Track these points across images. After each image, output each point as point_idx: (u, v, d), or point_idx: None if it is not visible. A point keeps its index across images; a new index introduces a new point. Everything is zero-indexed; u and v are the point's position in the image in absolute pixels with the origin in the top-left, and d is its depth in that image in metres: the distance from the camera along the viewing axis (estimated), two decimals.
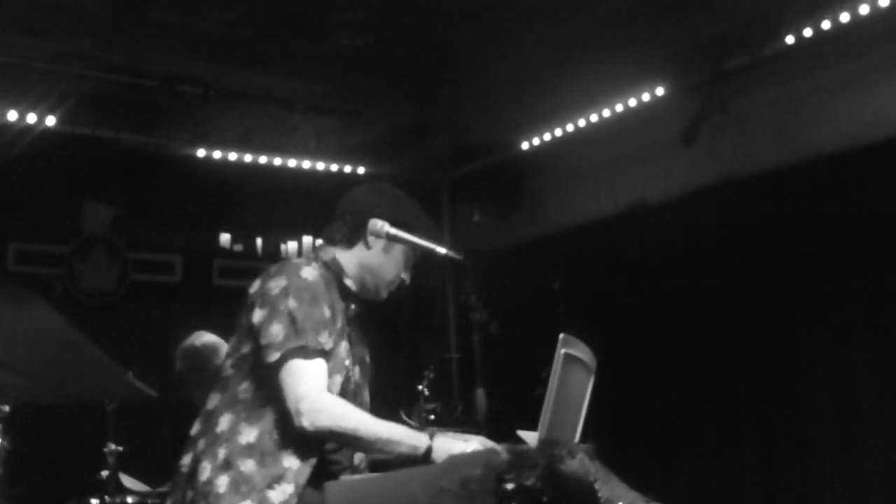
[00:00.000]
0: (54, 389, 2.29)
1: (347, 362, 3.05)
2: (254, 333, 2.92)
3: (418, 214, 3.22)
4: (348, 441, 2.89)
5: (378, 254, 3.15)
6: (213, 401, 3.00)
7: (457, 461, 2.37)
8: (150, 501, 5.23)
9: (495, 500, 2.24)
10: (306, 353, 2.85)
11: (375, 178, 6.97)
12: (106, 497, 5.05)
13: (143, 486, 5.40)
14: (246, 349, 2.97)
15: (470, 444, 2.76)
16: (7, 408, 4.96)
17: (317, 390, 2.83)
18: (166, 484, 5.30)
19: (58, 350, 1.84)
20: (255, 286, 3.02)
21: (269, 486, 2.80)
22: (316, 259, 3.13)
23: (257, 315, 2.92)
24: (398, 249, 3.16)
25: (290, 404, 2.80)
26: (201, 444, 2.93)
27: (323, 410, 2.80)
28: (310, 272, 3.00)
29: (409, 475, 2.43)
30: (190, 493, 2.88)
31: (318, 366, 2.88)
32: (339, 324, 3.03)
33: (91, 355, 1.91)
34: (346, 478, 2.86)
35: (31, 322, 1.68)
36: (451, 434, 2.94)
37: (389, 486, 2.46)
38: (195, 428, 3.01)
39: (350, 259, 3.15)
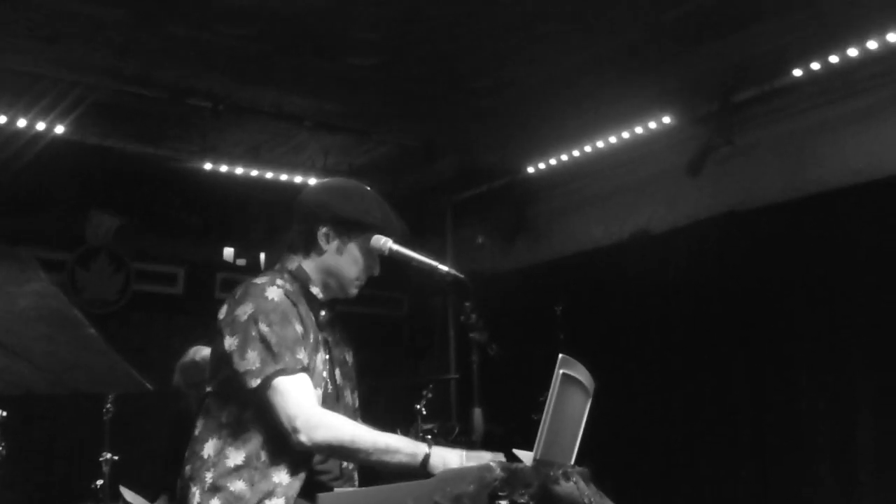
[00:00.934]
0: (51, 376, 2.28)
1: (325, 373, 3.05)
2: (228, 361, 2.91)
3: (367, 208, 3.16)
4: (347, 453, 2.88)
5: (333, 255, 3.12)
6: (198, 427, 3.01)
7: (450, 476, 2.36)
8: None
9: None
10: (287, 373, 2.85)
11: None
12: None
13: (143, 500, 5.39)
14: (221, 376, 2.97)
15: (467, 456, 2.76)
16: (4, 413, 4.98)
17: (308, 406, 2.83)
18: (161, 497, 5.30)
19: (56, 330, 1.83)
20: (222, 312, 3.01)
21: (260, 503, 2.80)
22: (282, 271, 3.12)
23: (228, 343, 2.91)
24: (353, 246, 3.12)
25: (285, 423, 2.80)
26: (188, 469, 2.95)
27: (318, 426, 2.80)
28: (274, 292, 2.97)
29: (403, 489, 2.43)
30: None
31: (303, 381, 2.87)
32: (312, 337, 3.02)
33: (90, 339, 1.91)
34: (339, 490, 2.85)
35: (32, 296, 1.68)
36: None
37: (382, 499, 2.46)
38: (186, 452, 3.01)
39: (311, 266, 3.14)
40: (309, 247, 3.14)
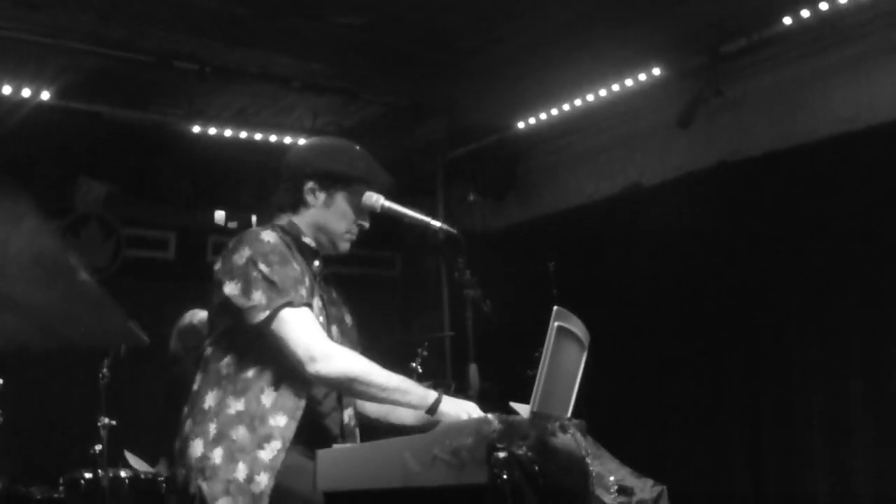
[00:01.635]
0: (45, 328, 2.27)
1: (322, 319, 3.06)
2: (230, 307, 2.91)
3: (351, 161, 3.19)
4: (360, 385, 2.88)
5: (321, 210, 3.14)
6: (197, 381, 3.02)
7: (448, 429, 2.38)
8: (143, 476, 5.25)
9: (487, 468, 2.25)
10: (294, 305, 2.86)
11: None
12: (99, 471, 5.06)
13: (146, 465, 5.42)
14: (222, 326, 2.98)
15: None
16: (0, 380, 4.99)
17: (322, 337, 2.86)
18: (161, 461, 5.33)
19: (52, 276, 1.82)
20: (217, 264, 3.02)
21: (259, 447, 2.82)
22: (273, 227, 3.13)
23: (229, 288, 2.91)
24: (340, 199, 3.14)
25: (300, 352, 2.81)
26: (189, 423, 2.95)
27: (334, 356, 2.83)
28: (269, 235, 3.00)
29: (401, 443, 2.44)
30: (182, 472, 2.90)
31: (310, 315, 2.90)
32: (308, 282, 3.03)
33: (85, 285, 1.90)
34: (338, 446, 2.87)
35: (27, 235, 1.66)
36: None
37: (381, 453, 2.47)
38: (184, 411, 3.02)
39: (300, 221, 3.16)
40: (297, 203, 3.16)
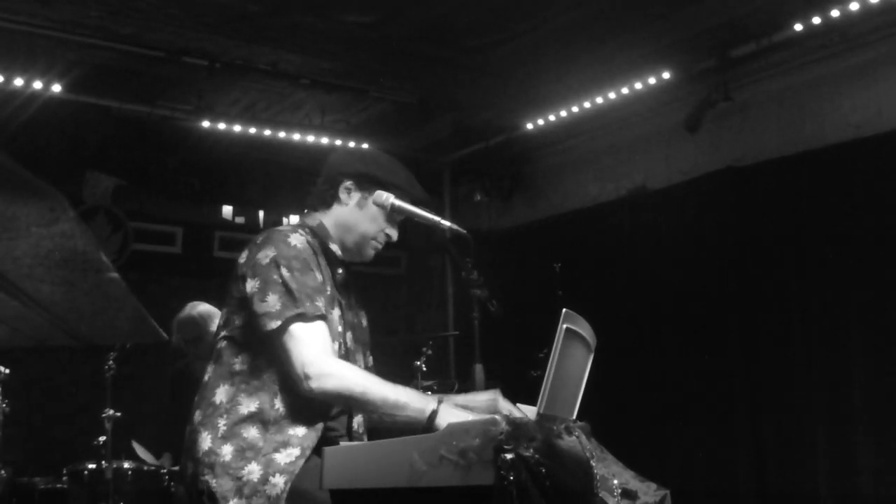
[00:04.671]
0: (67, 326, 2.28)
1: (340, 328, 3.06)
2: (247, 304, 2.92)
3: (392, 169, 3.21)
4: (356, 403, 2.90)
5: (353, 210, 3.15)
6: (209, 373, 3.01)
7: (455, 430, 2.38)
8: (146, 468, 5.27)
9: (494, 470, 2.26)
10: (306, 318, 2.86)
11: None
12: (103, 462, 5.08)
13: (152, 457, 5.44)
14: (239, 321, 2.98)
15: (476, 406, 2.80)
16: (6, 371, 5.01)
17: (322, 354, 2.84)
18: (165, 455, 5.35)
19: (78, 276, 1.82)
20: (243, 256, 3.02)
21: (276, 451, 2.81)
22: (303, 226, 3.14)
23: (249, 286, 2.92)
24: (373, 203, 3.15)
25: (297, 369, 2.81)
26: (198, 415, 2.95)
27: (330, 374, 2.81)
28: (297, 239, 3.00)
29: (408, 443, 2.44)
30: (190, 465, 2.89)
31: (320, 329, 2.88)
32: (330, 290, 3.03)
33: (112, 283, 1.90)
34: (344, 444, 2.87)
35: (58, 238, 1.66)
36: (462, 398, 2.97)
37: (388, 452, 2.47)
38: (194, 401, 3.02)
39: (330, 220, 3.17)
40: (330, 200, 3.18)
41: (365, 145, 7.70)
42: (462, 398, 3.03)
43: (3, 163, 1.44)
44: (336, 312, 3.05)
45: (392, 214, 3.16)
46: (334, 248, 3.15)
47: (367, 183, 3.15)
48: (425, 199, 3.23)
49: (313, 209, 3.21)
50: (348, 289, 3.24)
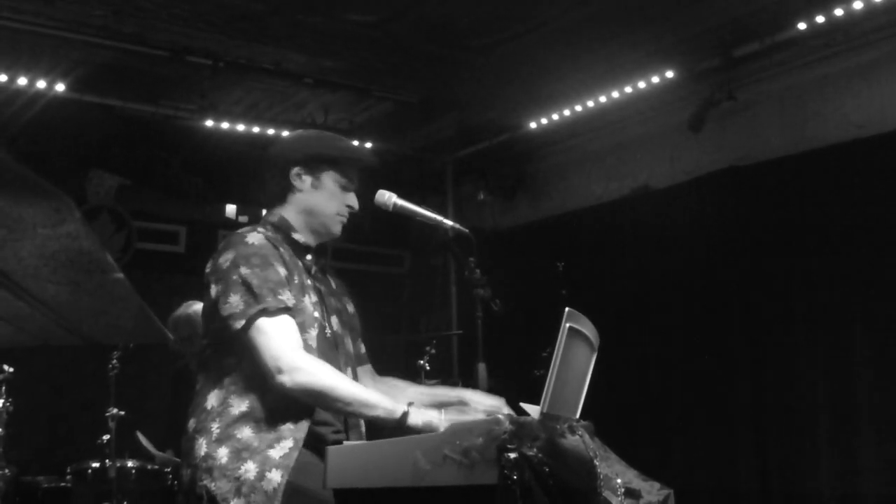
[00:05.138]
0: (71, 326, 2.28)
1: (317, 314, 3.06)
2: (217, 310, 2.93)
3: (331, 143, 3.23)
4: (324, 399, 2.87)
5: (309, 193, 3.16)
6: (199, 381, 3.04)
7: (459, 429, 2.38)
8: (150, 467, 5.28)
9: (497, 469, 2.26)
10: (269, 313, 2.86)
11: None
12: (107, 461, 5.09)
13: (154, 448, 5.44)
14: (215, 326, 2.98)
15: (445, 412, 2.81)
16: (10, 369, 5.02)
17: (292, 348, 2.85)
18: (168, 450, 5.36)
19: (84, 276, 1.82)
20: (209, 266, 3.03)
21: (270, 447, 2.82)
22: (264, 224, 3.14)
23: (213, 291, 2.94)
24: (327, 179, 3.17)
25: (268, 362, 2.81)
26: (192, 422, 2.97)
27: (300, 369, 2.81)
28: (255, 237, 3.00)
29: (412, 442, 2.45)
30: (188, 471, 2.91)
31: (286, 322, 2.89)
32: (298, 280, 3.04)
33: (117, 284, 1.89)
34: (348, 443, 2.87)
35: (65, 239, 1.66)
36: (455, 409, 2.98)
37: (391, 452, 2.47)
38: (190, 407, 3.04)
39: (291, 211, 3.17)
40: (285, 191, 3.18)
41: (368, 144, 7.73)
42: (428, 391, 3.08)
43: (8, 163, 1.43)
44: (310, 299, 3.06)
45: (347, 184, 3.18)
46: (298, 237, 3.16)
47: (315, 163, 3.16)
48: (373, 162, 3.27)
49: (269, 204, 3.21)
50: (326, 274, 3.27)
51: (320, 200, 3.16)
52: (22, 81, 6.54)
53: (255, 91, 7.39)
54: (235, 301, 2.87)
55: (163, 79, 7.01)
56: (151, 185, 8.01)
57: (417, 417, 2.73)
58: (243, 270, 2.90)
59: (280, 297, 2.90)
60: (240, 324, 2.85)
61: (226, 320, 2.88)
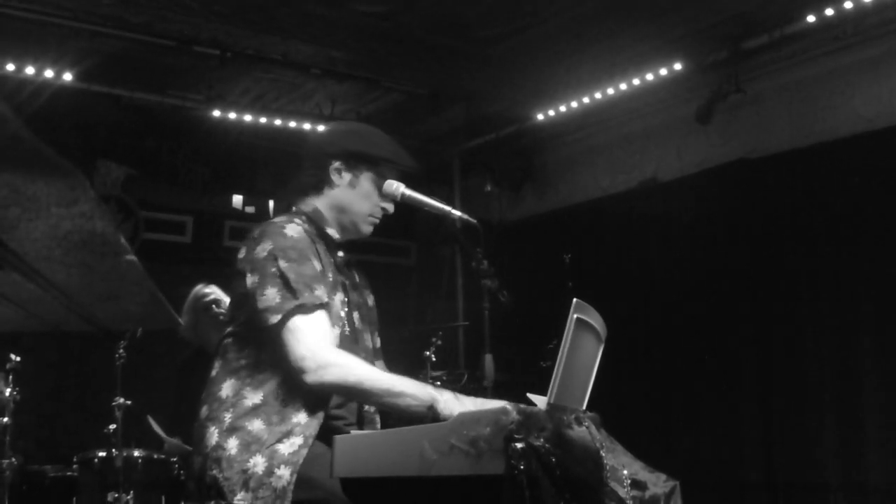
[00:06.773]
0: (82, 310, 2.27)
1: (343, 313, 3.05)
2: (248, 300, 2.91)
3: (377, 142, 3.19)
4: (355, 394, 2.89)
5: (345, 190, 3.13)
6: (215, 368, 3.02)
7: (466, 419, 2.37)
8: (156, 457, 5.28)
9: (504, 459, 2.25)
10: (305, 310, 2.84)
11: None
12: (113, 450, 5.09)
13: (163, 433, 5.44)
14: (242, 317, 2.97)
15: (479, 402, 2.78)
16: (17, 359, 5.03)
17: (320, 346, 2.83)
18: (176, 437, 5.36)
19: (96, 258, 1.81)
20: (242, 252, 3.00)
21: (279, 441, 2.81)
22: (299, 214, 3.12)
23: (249, 281, 2.91)
24: (364, 180, 3.13)
25: (295, 362, 2.80)
26: (205, 410, 2.96)
27: (328, 366, 2.80)
28: (294, 229, 2.99)
29: (419, 432, 2.44)
30: (199, 460, 2.90)
31: (320, 319, 2.87)
32: (331, 276, 3.03)
33: (129, 266, 1.88)
34: (355, 432, 2.87)
35: (78, 219, 1.65)
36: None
37: (399, 441, 2.47)
38: (203, 394, 3.03)
39: (324, 204, 3.15)
40: (321, 184, 3.15)
41: None
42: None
43: (26, 138, 1.42)
44: (339, 297, 3.05)
45: (379, 186, 3.14)
46: (331, 231, 3.14)
47: (356, 161, 3.13)
48: (415, 169, 3.21)
49: (303, 193, 3.18)
50: (351, 269, 3.24)
51: (355, 199, 3.14)
52: (30, 71, 6.54)
53: (262, 81, 7.38)
54: (272, 294, 2.85)
55: (170, 69, 7.00)
56: (158, 175, 8.01)
57: (448, 406, 2.71)
58: (281, 264, 2.88)
59: (316, 292, 2.88)
60: (276, 318, 2.84)
61: (261, 313, 2.86)
